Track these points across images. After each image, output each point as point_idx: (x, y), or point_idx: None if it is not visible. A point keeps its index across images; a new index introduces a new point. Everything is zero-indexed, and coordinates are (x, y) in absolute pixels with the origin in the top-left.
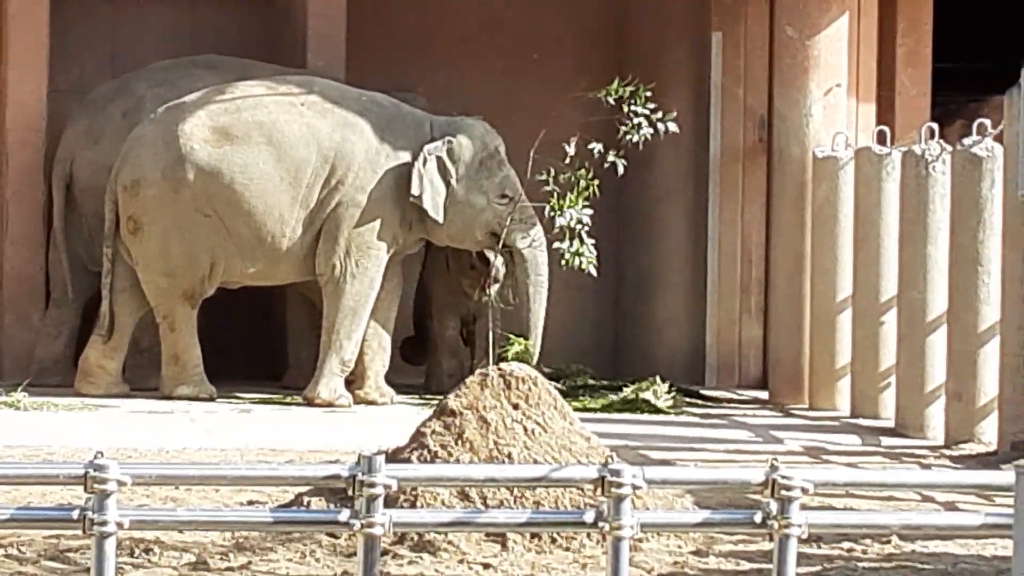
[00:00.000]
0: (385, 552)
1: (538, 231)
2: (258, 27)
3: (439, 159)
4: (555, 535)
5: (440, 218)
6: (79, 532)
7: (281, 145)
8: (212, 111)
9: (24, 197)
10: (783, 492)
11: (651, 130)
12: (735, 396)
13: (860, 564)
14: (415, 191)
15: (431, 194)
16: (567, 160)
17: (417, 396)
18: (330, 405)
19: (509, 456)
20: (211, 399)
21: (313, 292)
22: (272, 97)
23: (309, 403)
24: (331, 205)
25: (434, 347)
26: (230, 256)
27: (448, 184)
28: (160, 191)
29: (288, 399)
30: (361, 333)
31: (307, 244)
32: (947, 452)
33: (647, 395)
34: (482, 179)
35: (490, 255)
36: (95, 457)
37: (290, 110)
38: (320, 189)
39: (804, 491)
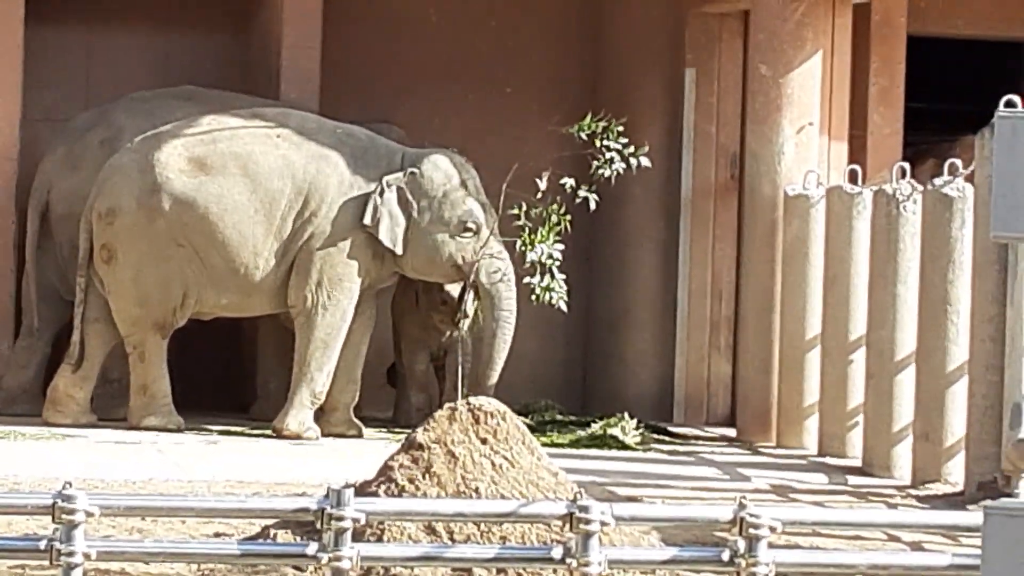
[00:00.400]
0: None
1: (505, 265)
2: (233, 56)
3: (399, 189)
4: (522, 571)
5: (398, 249)
6: (45, 563)
7: (256, 176)
8: (188, 142)
9: None
10: (751, 530)
11: (623, 165)
12: (703, 433)
13: None
14: (367, 220)
15: (388, 225)
16: (539, 195)
17: (385, 429)
18: (298, 437)
19: (477, 491)
20: (179, 430)
21: (291, 323)
22: (248, 129)
23: (277, 434)
24: (304, 237)
25: (403, 381)
26: (203, 287)
27: (409, 215)
28: (134, 220)
29: (255, 431)
30: (332, 365)
31: (281, 276)
32: (914, 492)
33: (615, 431)
34: (444, 211)
35: (455, 289)
36: (63, 487)
37: (265, 142)
38: (294, 221)
39: (772, 529)
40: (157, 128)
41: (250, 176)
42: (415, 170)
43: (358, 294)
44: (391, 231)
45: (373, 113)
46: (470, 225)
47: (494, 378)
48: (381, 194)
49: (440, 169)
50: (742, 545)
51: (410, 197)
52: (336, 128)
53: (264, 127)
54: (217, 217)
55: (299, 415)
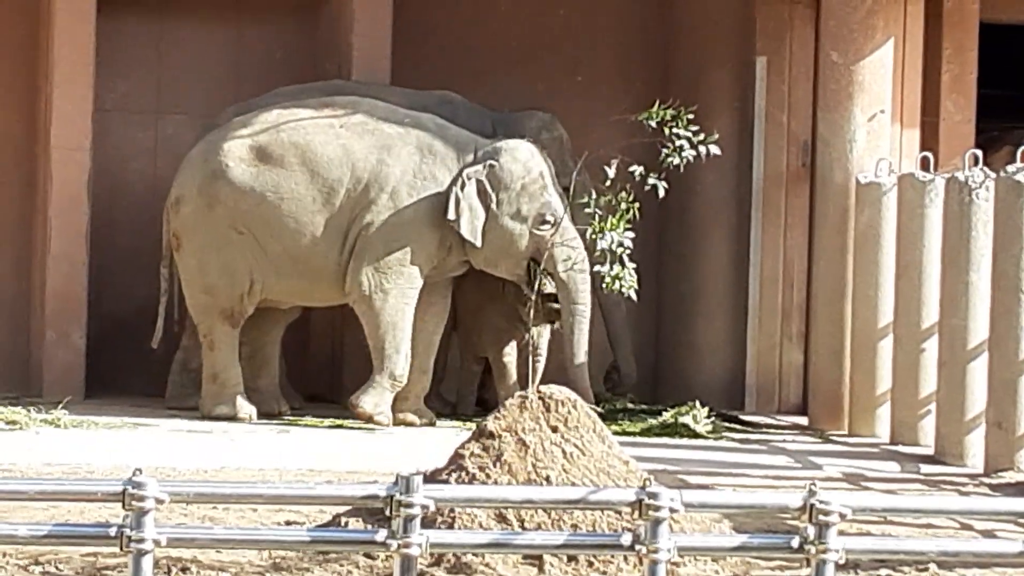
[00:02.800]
0: (421, 574)
1: (580, 254)
2: (304, 42)
3: (479, 182)
4: (592, 559)
5: (478, 242)
6: (116, 550)
7: (315, 166)
8: (255, 131)
9: (66, 215)
10: (821, 517)
11: (693, 153)
12: (774, 422)
13: None
14: (451, 215)
15: (468, 218)
16: (608, 183)
17: (460, 420)
18: (370, 419)
19: (547, 479)
20: (249, 420)
21: None
22: (313, 119)
23: (351, 410)
24: (363, 225)
25: (489, 373)
26: (266, 274)
27: (488, 208)
28: (196, 207)
29: (326, 421)
30: (407, 347)
31: (342, 264)
32: (986, 480)
33: (686, 420)
34: (523, 204)
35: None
36: (134, 474)
37: (327, 131)
38: (352, 209)
39: (842, 516)
40: None
41: (308, 166)
42: (494, 163)
43: (421, 282)
44: (471, 224)
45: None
46: (548, 218)
47: (580, 363)
48: (462, 188)
49: (519, 161)
50: (812, 532)
51: (489, 190)
52: (405, 117)
53: (330, 117)
54: (274, 205)
55: (375, 397)
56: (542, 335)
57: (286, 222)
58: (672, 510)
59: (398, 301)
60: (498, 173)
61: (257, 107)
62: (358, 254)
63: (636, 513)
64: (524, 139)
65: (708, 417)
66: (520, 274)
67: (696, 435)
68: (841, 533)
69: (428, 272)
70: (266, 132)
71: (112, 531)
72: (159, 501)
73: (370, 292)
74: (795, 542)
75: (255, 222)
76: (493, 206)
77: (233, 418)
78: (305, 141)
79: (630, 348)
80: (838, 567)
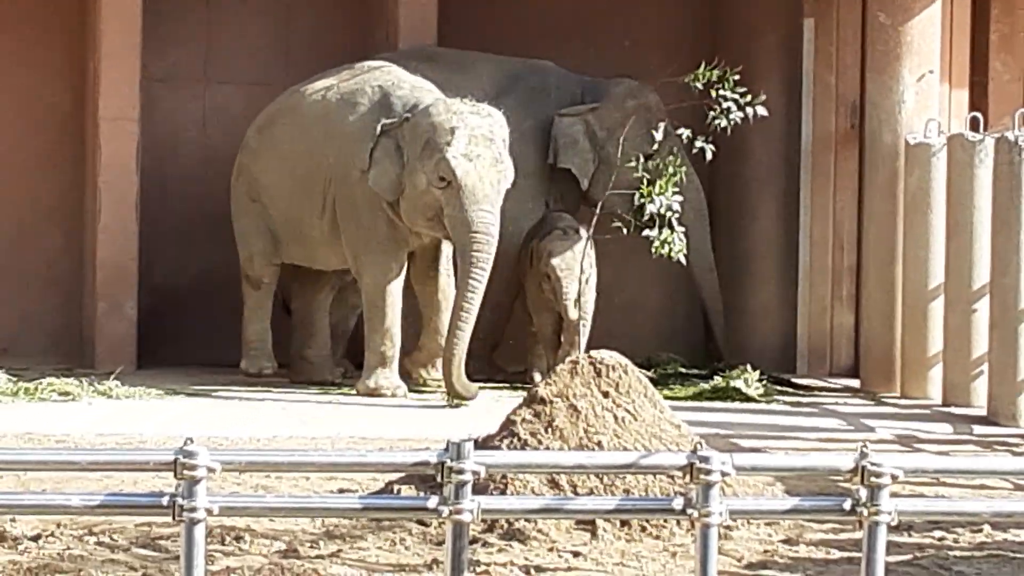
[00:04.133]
0: (475, 540)
1: (482, 219)
2: (351, 12)
3: (391, 137)
4: (645, 523)
5: (386, 195)
6: (170, 520)
7: (301, 130)
8: (279, 100)
9: (116, 186)
10: (873, 479)
11: (740, 115)
12: (826, 384)
13: (951, 553)
14: (363, 166)
15: (376, 172)
16: (655, 146)
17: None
18: (373, 395)
19: (599, 444)
20: (259, 374)
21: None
22: (320, 87)
23: (358, 394)
24: (336, 193)
25: (532, 342)
26: (276, 240)
27: (402, 164)
28: (232, 178)
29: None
30: (390, 321)
31: (326, 231)
32: None
33: (738, 383)
34: (425, 160)
35: (560, 258)
36: (185, 444)
37: (317, 97)
38: (327, 175)
39: (894, 478)
40: None
41: (296, 130)
42: (408, 117)
43: (399, 250)
44: (377, 177)
45: None
46: (444, 176)
47: (459, 337)
48: (376, 142)
49: (430, 117)
50: (864, 494)
51: (401, 144)
52: (402, 84)
53: (335, 82)
54: (274, 171)
55: (369, 378)
56: (587, 298)
57: (281, 187)
58: (724, 474)
59: (376, 279)
60: (409, 128)
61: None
62: (341, 226)
63: (688, 477)
64: (598, 104)
65: (759, 380)
66: (436, 232)
67: (748, 399)
68: (894, 495)
69: (405, 239)
70: (279, 100)
71: (164, 500)
72: (210, 470)
73: (359, 268)
74: (847, 504)
75: (262, 189)
76: (405, 160)
77: (257, 374)
78: (295, 106)
79: (722, 324)
80: (891, 529)
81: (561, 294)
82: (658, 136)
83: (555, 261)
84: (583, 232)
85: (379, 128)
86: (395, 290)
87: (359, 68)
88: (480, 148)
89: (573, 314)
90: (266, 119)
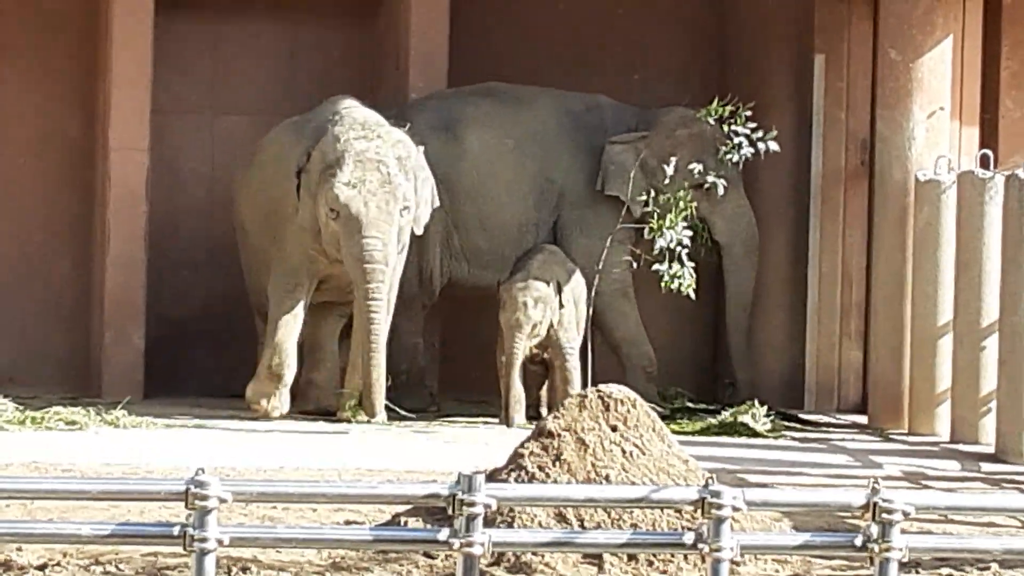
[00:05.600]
0: (482, 574)
1: (371, 247)
2: (360, 43)
3: (301, 167)
4: (652, 558)
5: (303, 223)
6: (177, 549)
7: (261, 167)
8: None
9: (125, 215)
10: (884, 515)
11: (751, 150)
12: (834, 420)
13: None
14: (295, 203)
15: (302, 209)
16: (666, 180)
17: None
18: (249, 406)
19: (607, 478)
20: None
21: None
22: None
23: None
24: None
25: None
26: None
27: (313, 194)
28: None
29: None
30: (279, 342)
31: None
32: None
33: (745, 418)
34: (320, 192)
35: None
36: (196, 473)
37: (271, 136)
38: (278, 208)
39: (905, 515)
40: (443, 123)
41: (258, 168)
42: (311, 147)
43: (298, 276)
44: (303, 217)
45: None
46: (334, 207)
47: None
48: (297, 179)
49: (327, 144)
50: (875, 530)
51: (307, 173)
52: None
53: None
54: (247, 206)
55: (254, 385)
56: (560, 337)
57: (253, 223)
58: (735, 508)
59: (275, 298)
60: (311, 163)
61: (406, 110)
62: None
63: (699, 512)
64: (644, 133)
65: (767, 416)
66: (342, 261)
67: (755, 434)
68: (903, 532)
69: (304, 268)
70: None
71: (175, 531)
72: (222, 500)
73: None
74: (858, 540)
75: (245, 223)
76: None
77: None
78: (261, 144)
79: (747, 356)
80: (900, 566)
81: (508, 349)
82: (669, 171)
83: (502, 317)
84: (557, 271)
85: (295, 167)
86: (290, 317)
87: (328, 103)
88: (367, 173)
89: (509, 377)
90: (248, 155)
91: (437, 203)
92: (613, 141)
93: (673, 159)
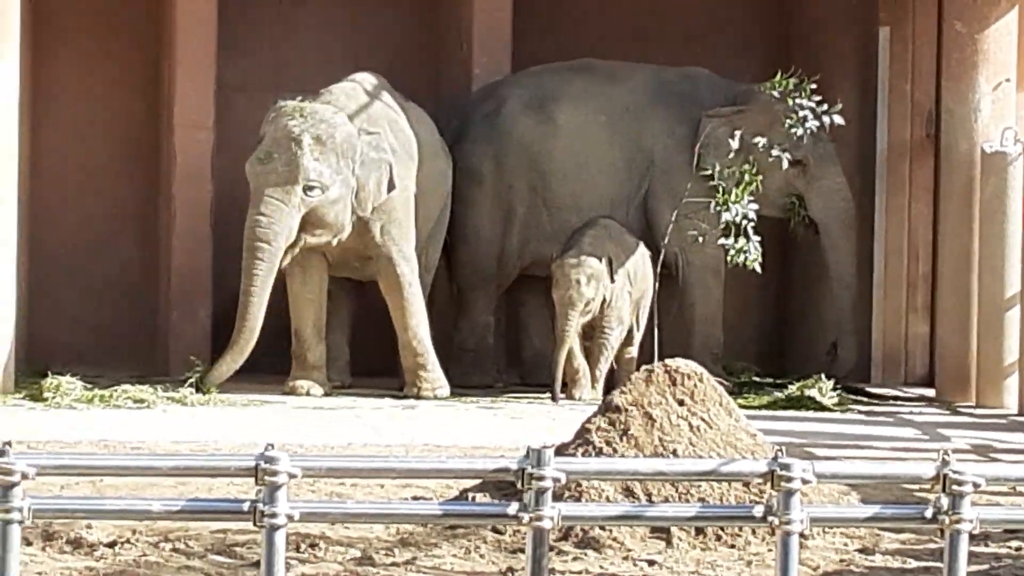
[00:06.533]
0: (550, 548)
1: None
2: (424, 19)
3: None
4: (720, 532)
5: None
6: (246, 526)
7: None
8: None
9: (191, 193)
10: (954, 487)
11: (816, 123)
12: (901, 393)
13: None
14: None
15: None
16: (731, 154)
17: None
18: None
19: (674, 452)
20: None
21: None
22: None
23: None
24: None
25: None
26: None
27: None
28: None
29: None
30: (295, 329)
31: None
32: None
33: (812, 392)
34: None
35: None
36: (266, 449)
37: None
38: None
39: (976, 486)
40: (539, 100)
41: None
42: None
43: (297, 258)
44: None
45: None
46: (312, 183)
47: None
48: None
49: (266, 120)
50: (945, 502)
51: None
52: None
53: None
54: None
55: (292, 371)
56: (610, 316)
57: None
58: (804, 481)
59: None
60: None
61: (502, 85)
62: None
63: (767, 485)
64: (741, 108)
65: (834, 389)
66: (317, 236)
67: (822, 408)
68: (973, 504)
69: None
70: None
71: (245, 506)
72: (291, 476)
73: None
74: (928, 512)
75: None
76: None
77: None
78: None
79: (852, 330)
80: (970, 538)
81: (560, 327)
82: (734, 144)
83: (555, 293)
84: (610, 247)
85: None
86: (302, 294)
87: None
88: (275, 149)
89: (560, 355)
90: None
91: (395, 188)
92: (710, 114)
93: (763, 137)
